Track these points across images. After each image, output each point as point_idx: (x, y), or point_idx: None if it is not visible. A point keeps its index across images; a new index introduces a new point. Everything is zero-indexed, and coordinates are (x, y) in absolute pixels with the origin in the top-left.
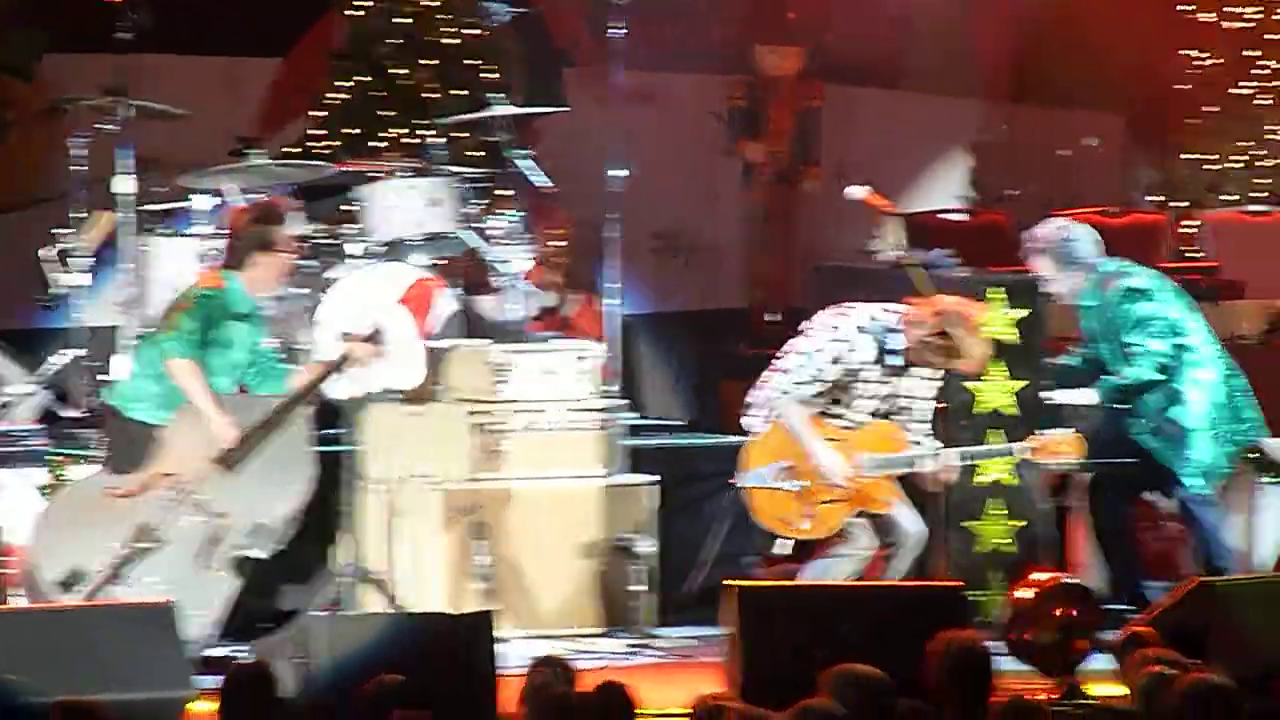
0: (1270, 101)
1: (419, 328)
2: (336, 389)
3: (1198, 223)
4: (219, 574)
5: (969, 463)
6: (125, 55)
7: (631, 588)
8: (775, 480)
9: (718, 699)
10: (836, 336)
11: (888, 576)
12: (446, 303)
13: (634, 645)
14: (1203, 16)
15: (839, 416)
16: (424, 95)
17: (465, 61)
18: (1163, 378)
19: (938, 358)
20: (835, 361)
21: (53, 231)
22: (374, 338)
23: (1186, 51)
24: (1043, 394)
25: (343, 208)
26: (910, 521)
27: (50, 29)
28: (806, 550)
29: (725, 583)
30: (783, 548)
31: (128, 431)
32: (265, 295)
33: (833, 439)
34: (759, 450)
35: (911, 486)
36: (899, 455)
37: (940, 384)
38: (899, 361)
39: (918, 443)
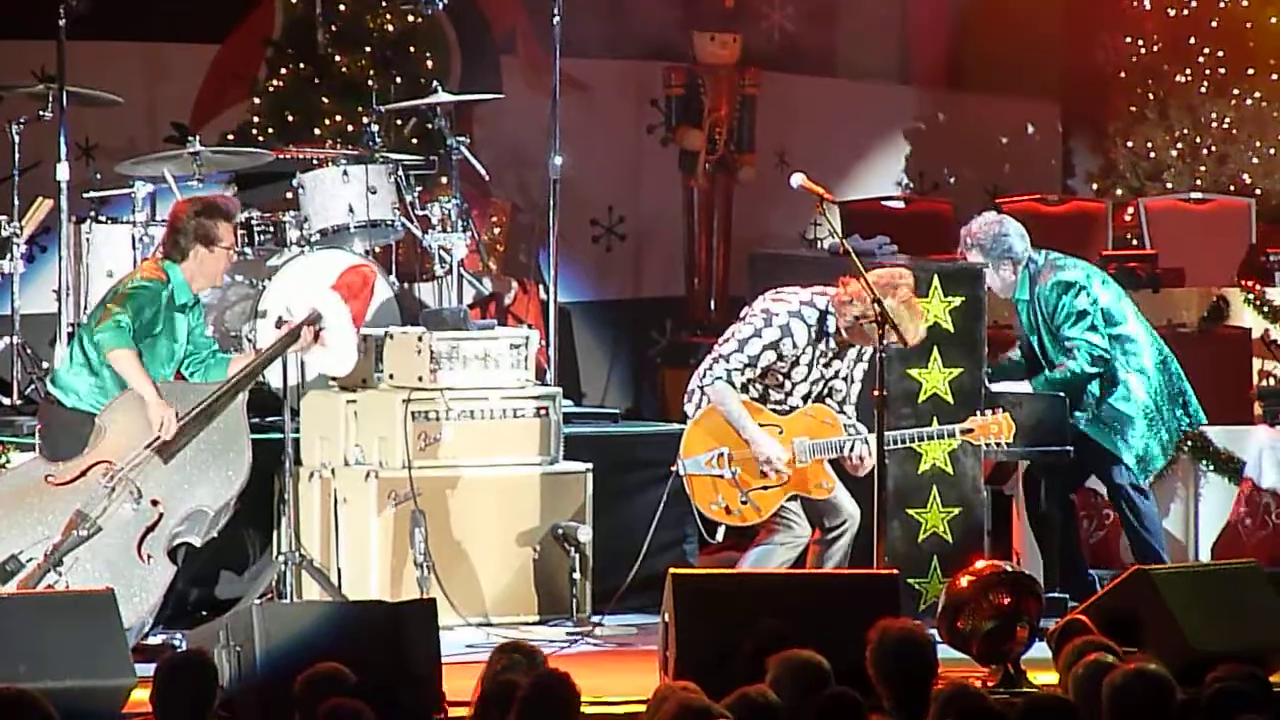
0: (1210, 89)
1: (353, 314)
2: (272, 376)
3: (1136, 211)
4: (154, 561)
5: (907, 445)
6: (60, 42)
7: (569, 576)
8: (711, 467)
9: (684, 687)
10: (771, 322)
11: (830, 560)
12: (382, 289)
13: (572, 634)
14: (1142, 4)
15: (777, 402)
16: (361, 82)
17: (402, 49)
18: (1099, 370)
19: (875, 333)
20: (770, 347)
21: None
22: (313, 323)
23: (1126, 38)
24: (989, 383)
25: (282, 195)
26: (851, 503)
27: None
28: (746, 538)
29: (670, 571)
30: (718, 535)
31: (64, 420)
32: (207, 287)
33: (768, 424)
34: (695, 436)
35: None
36: (835, 440)
37: (866, 366)
38: (833, 345)
39: (851, 426)
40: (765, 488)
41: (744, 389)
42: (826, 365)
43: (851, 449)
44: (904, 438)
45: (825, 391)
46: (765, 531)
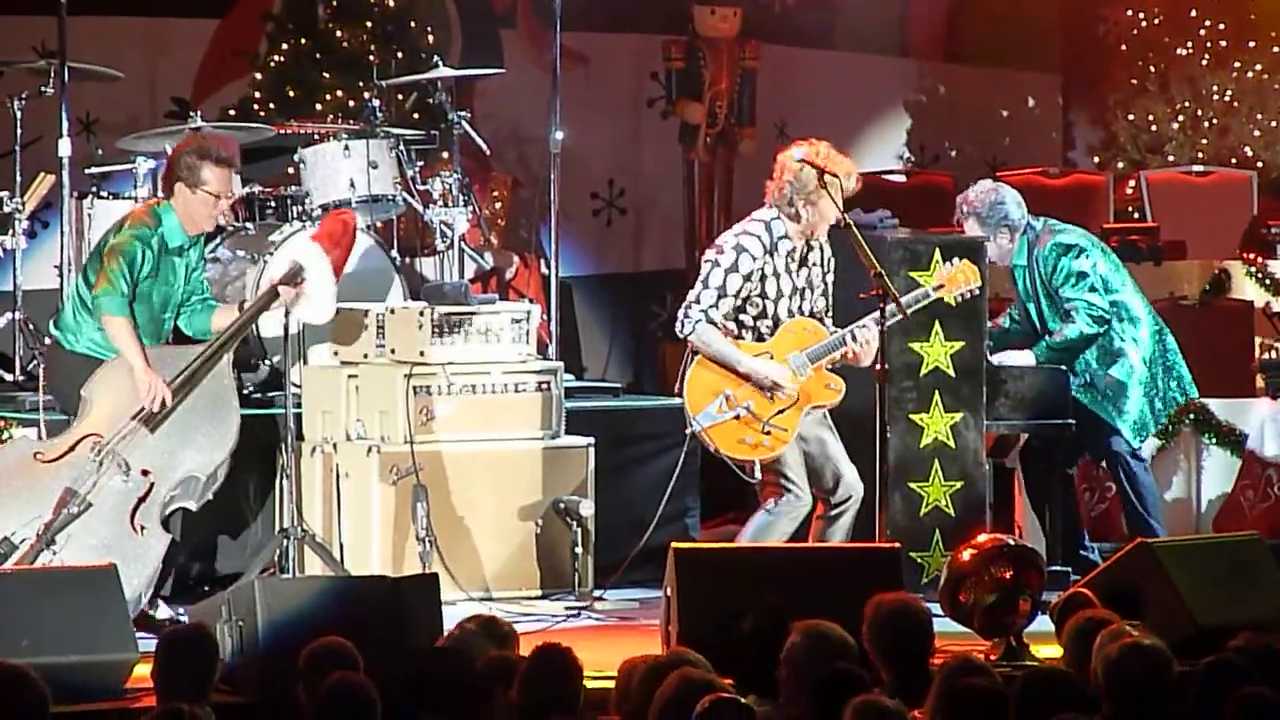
0: (1211, 61)
1: (334, 262)
2: (264, 327)
3: (1137, 183)
4: (148, 532)
5: (889, 322)
6: (60, 17)
7: (571, 550)
8: (723, 413)
9: (650, 659)
10: (724, 250)
11: (833, 537)
12: (363, 237)
13: (574, 608)
14: None
15: (768, 330)
16: (362, 57)
17: (403, 23)
18: (1100, 330)
19: (815, 207)
20: (731, 270)
21: None
22: (292, 279)
23: (1126, 11)
24: (990, 357)
25: (283, 170)
26: (856, 480)
27: None
28: (749, 507)
29: (672, 545)
30: (757, 472)
31: (68, 365)
32: (196, 232)
33: (757, 354)
34: (695, 391)
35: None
36: (824, 343)
37: (832, 273)
38: (794, 245)
39: (835, 331)
40: (781, 410)
41: (738, 335)
42: (797, 272)
43: (843, 343)
44: (882, 317)
45: (810, 311)
46: (766, 498)
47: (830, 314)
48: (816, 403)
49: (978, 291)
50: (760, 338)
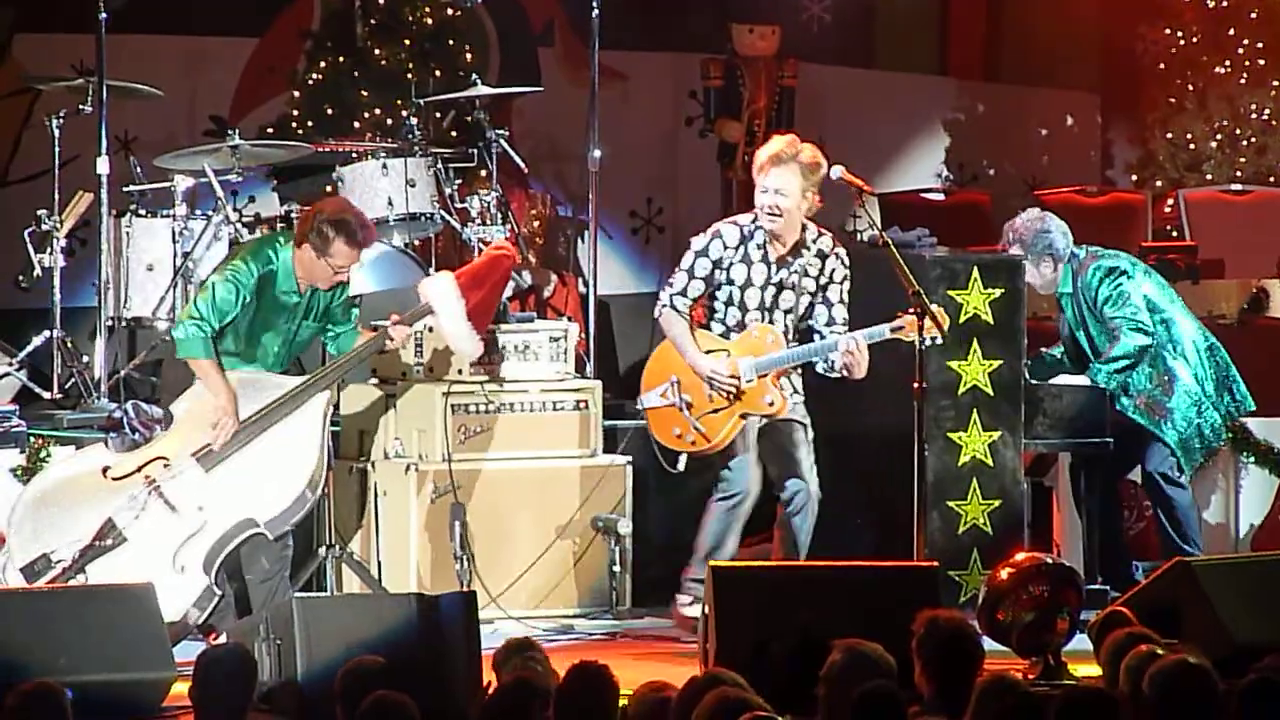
0: (1249, 80)
1: (474, 299)
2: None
3: (1175, 202)
4: (186, 572)
5: (875, 340)
6: (99, 36)
7: (609, 569)
8: (665, 399)
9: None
10: (705, 238)
11: (792, 537)
12: (400, 256)
13: (612, 626)
14: None
15: (736, 323)
16: (400, 75)
17: (441, 41)
18: (1148, 340)
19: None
20: (701, 253)
21: (37, 213)
22: (419, 315)
23: (1165, 30)
24: (1033, 381)
25: (321, 189)
26: (808, 480)
27: (20, 8)
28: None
29: (710, 564)
30: (680, 464)
31: (181, 371)
32: (307, 287)
33: (716, 349)
34: (651, 371)
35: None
36: (778, 355)
37: (812, 280)
38: (763, 236)
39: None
40: (715, 410)
41: (720, 325)
42: (775, 265)
43: (804, 358)
44: (869, 336)
45: (775, 307)
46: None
47: (833, 326)
48: (750, 411)
49: (940, 341)
50: (727, 327)
